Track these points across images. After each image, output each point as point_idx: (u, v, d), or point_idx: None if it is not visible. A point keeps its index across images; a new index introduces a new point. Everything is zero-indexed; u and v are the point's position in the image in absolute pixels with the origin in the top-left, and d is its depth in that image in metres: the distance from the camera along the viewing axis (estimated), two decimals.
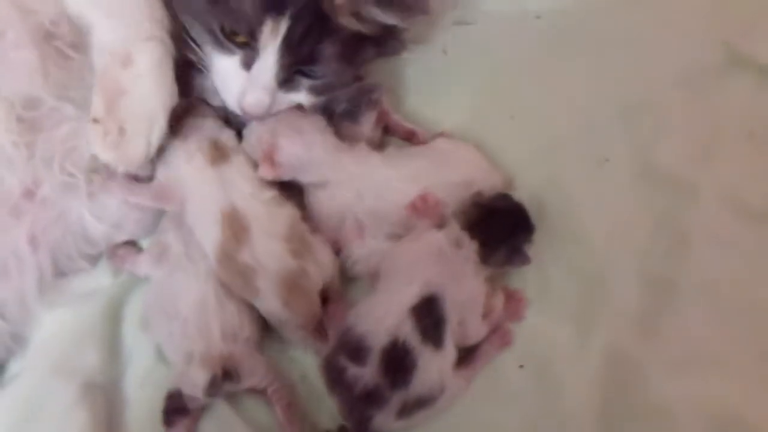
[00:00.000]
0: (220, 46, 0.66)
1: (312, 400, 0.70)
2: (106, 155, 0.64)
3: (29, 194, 0.69)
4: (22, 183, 0.69)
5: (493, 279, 0.71)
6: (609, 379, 0.70)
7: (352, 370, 0.64)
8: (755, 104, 0.81)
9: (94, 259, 0.75)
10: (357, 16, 0.65)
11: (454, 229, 0.69)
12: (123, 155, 0.64)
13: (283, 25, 0.63)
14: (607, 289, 0.73)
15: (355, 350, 0.64)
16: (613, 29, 0.83)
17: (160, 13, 0.66)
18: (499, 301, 0.71)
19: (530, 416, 0.70)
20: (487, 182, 0.73)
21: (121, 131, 0.62)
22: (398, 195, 0.71)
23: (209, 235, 0.69)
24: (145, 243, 0.76)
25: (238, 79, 0.67)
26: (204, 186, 0.70)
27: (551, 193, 0.75)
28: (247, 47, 0.66)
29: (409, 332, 0.64)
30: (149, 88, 0.64)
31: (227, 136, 0.73)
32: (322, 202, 0.73)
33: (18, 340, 0.73)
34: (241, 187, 0.70)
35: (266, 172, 0.70)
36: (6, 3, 0.67)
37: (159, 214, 0.75)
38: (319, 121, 0.73)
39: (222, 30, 0.65)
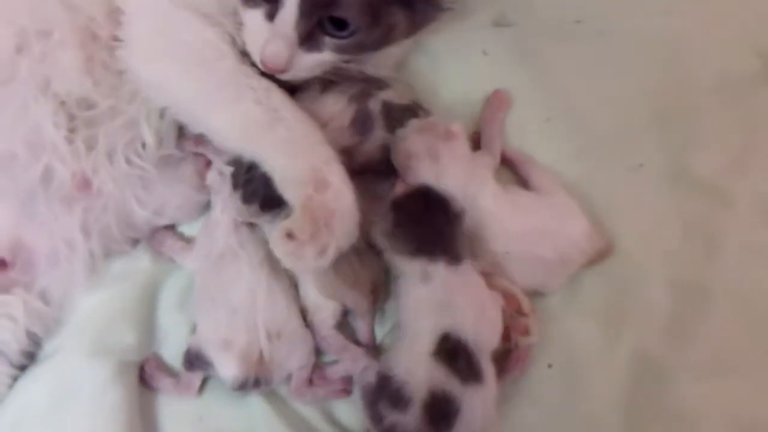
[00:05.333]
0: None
1: None
2: (290, 262, 0.64)
3: (85, 185, 0.71)
4: (76, 175, 0.70)
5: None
6: (635, 381, 0.71)
7: (393, 417, 0.64)
8: None
9: (135, 242, 0.77)
10: None
11: (418, 263, 0.68)
12: (307, 265, 0.64)
13: None
14: (636, 292, 0.74)
15: (396, 398, 0.64)
16: (651, 36, 0.83)
17: (322, 136, 0.68)
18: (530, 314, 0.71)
19: (555, 415, 0.71)
20: (584, 258, 0.73)
21: (321, 250, 0.63)
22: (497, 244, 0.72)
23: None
24: (185, 228, 0.79)
25: (262, 32, 0.66)
26: None
27: (584, 196, 0.76)
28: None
29: (445, 379, 0.64)
30: (349, 200, 0.66)
31: None
32: None
33: (57, 322, 0.75)
34: None
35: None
36: (53, 1, 0.68)
37: (200, 202, 0.77)
38: (461, 148, 0.73)
39: None
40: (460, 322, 0.66)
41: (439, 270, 0.67)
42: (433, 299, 0.67)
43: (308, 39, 0.66)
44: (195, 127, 0.71)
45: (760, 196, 0.77)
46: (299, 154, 0.66)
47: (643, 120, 0.80)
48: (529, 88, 0.82)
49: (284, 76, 0.68)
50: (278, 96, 0.68)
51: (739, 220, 0.76)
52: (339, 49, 0.68)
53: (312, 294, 0.71)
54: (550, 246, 0.72)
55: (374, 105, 0.73)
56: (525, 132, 0.80)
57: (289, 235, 0.62)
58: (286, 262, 0.64)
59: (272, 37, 0.65)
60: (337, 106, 0.72)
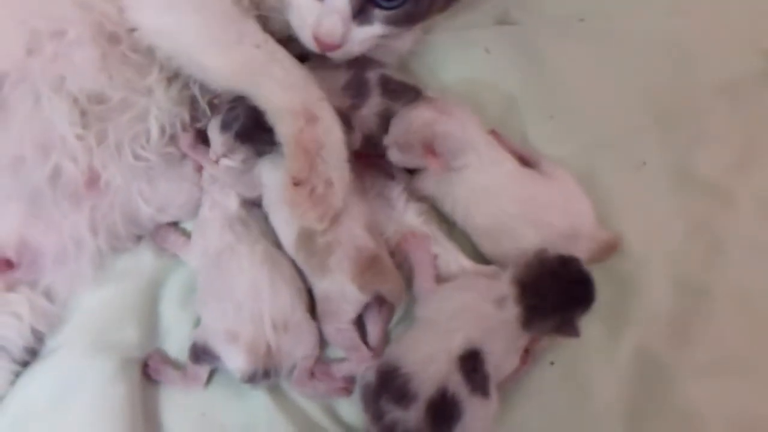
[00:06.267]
0: None
1: None
2: (313, 213, 0.66)
3: (93, 181, 0.71)
4: (85, 172, 0.70)
5: None
6: (637, 380, 0.71)
7: (394, 414, 0.63)
8: None
9: (138, 239, 0.77)
10: None
11: (502, 286, 0.68)
12: (328, 207, 0.66)
13: None
14: (639, 291, 0.74)
15: (400, 393, 0.64)
16: (655, 35, 0.83)
17: (315, 80, 0.71)
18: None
19: (557, 412, 0.71)
20: (591, 243, 0.73)
21: (328, 183, 0.66)
22: (494, 209, 0.73)
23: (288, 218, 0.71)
24: (187, 224, 0.79)
25: (313, 10, 0.68)
26: None
27: (587, 193, 0.75)
28: None
29: (458, 383, 0.64)
30: (338, 136, 0.68)
31: None
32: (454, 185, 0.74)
33: (61, 319, 0.75)
34: None
35: (436, 165, 0.72)
36: (66, 1, 0.68)
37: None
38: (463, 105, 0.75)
39: None
40: (490, 351, 0.66)
41: (517, 313, 0.67)
42: (485, 319, 0.67)
43: (360, 12, 0.68)
44: (195, 70, 0.71)
45: (762, 195, 0.77)
46: (293, 90, 0.68)
47: (647, 119, 0.81)
48: (531, 86, 0.82)
49: (335, 54, 0.70)
50: (274, 43, 0.70)
51: (741, 220, 0.76)
52: (388, 21, 0.69)
53: (341, 284, 0.69)
54: (559, 215, 0.72)
55: (372, 75, 0.75)
56: (528, 129, 0.80)
57: (294, 181, 0.64)
58: (301, 214, 0.65)
59: (326, 12, 0.67)
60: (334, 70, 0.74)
